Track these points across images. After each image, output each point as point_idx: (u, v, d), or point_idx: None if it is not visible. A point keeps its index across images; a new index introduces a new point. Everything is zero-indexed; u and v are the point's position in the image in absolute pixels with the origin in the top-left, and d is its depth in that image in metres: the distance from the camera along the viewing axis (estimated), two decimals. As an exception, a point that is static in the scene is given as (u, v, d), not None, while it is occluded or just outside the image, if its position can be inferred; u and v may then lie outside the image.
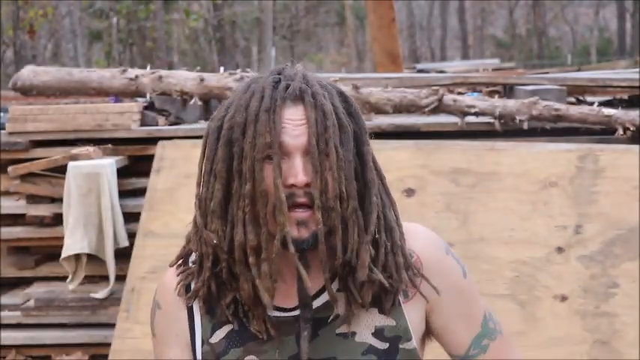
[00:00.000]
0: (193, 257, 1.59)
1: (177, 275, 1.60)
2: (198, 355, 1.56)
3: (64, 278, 3.69)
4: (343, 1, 26.03)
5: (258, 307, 1.50)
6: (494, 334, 1.62)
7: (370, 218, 1.50)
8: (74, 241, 3.55)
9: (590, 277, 2.98)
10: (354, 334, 1.52)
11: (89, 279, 3.72)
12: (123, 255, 3.57)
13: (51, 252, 3.80)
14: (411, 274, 1.54)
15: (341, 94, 1.55)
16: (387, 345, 1.53)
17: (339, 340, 1.52)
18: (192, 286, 1.57)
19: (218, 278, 1.53)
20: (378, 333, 1.53)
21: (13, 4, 16.98)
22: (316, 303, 1.53)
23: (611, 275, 2.99)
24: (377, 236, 1.51)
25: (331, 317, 1.53)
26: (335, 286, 1.51)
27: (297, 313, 1.53)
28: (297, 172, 1.45)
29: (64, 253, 3.56)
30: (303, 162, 1.46)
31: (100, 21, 22.37)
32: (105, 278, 3.68)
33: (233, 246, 1.49)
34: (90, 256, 3.62)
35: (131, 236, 3.55)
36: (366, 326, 1.53)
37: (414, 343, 1.54)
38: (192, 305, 1.57)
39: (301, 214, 1.46)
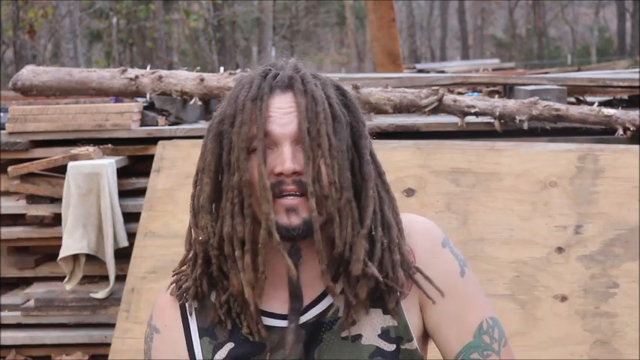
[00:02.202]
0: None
1: (173, 276, 1.56)
2: None
3: (64, 278, 3.69)
4: (343, 1, 26.03)
5: (248, 306, 1.45)
6: (488, 350, 1.49)
7: (366, 212, 1.44)
8: (73, 241, 3.55)
9: (590, 277, 2.98)
10: (359, 336, 1.47)
11: (89, 279, 3.73)
12: (123, 255, 3.57)
13: (51, 252, 3.80)
14: (407, 272, 1.48)
15: (337, 87, 1.50)
16: (394, 347, 1.47)
17: (345, 344, 1.47)
18: (186, 285, 1.53)
19: (211, 277, 1.48)
20: (385, 334, 1.47)
21: (13, 4, 16.98)
22: (320, 307, 1.48)
23: (611, 275, 2.99)
24: (373, 232, 1.45)
25: (335, 321, 1.47)
26: (337, 288, 1.46)
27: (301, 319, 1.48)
28: (285, 159, 1.40)
29: (63, 253, 3.55)
30: (292, 150, 1.41)
31: (100, 21, 22.37)
32: (105, 278, 3.68)
33: (223, 240, 1.44)
34: (89, 256, 3.62)
35: (131, 236, 3.55)
36: (372, 328, 1.47)
37: (415, 343, 1.48)
38: (189, 327, 1.52)
39: (291, 200, 1.41)
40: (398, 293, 1.47)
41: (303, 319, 1.48)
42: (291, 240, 1.43)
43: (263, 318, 1.48)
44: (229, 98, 1.47)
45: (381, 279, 1.44)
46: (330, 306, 1.48)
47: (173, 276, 1.57)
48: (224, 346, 1.49)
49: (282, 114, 1.43)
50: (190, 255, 1.53)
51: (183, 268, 1.56)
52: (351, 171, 1.45)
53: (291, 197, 1.42)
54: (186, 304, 1.53)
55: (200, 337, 1.51)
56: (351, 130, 1.47)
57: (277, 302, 1.49)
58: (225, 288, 1.47)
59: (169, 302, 1.55)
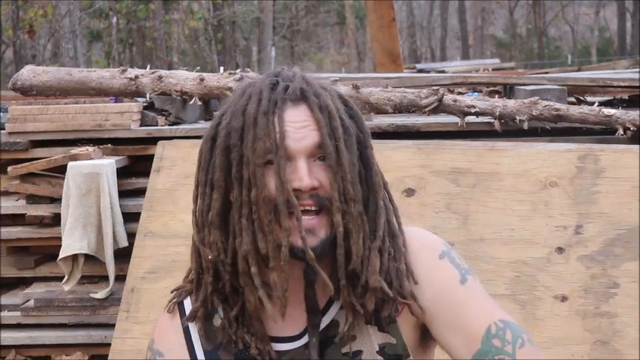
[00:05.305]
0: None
1: (172, 292, 1.53)
2: None
3: (63, 279, 3.68)
4: (343, 1, 26.01)
5: (260, 324, 1.44)
6: (501, 354, 1.42)
7: (378, 223, 1.43)
8: (73, 241, 3.54)
9: (591, 278, 2.98)
10: (360, 352, 1.46)
11: (89, 279, 3.72)
12: (122, 255, 3.56)
13: (51, 252, 3.79)
14: (413, 280, 1.47)
15: (341, 96, 1.48)
16: None
17: None
18: (187, 303, 1.51)
19: (220, 294, 1.46)
20: (382, 351, 1.46)
21: (12, 4, 16.97)
22: (322, 322, 1.47)
23: (611, 275, 2.98)
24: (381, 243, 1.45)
25: (337, 337, 1.46)
26: (338, 304, 1.46)
27: (304, 341, 1.47)
28: (302, 175, 1.38)
29: (63, 253, 3.55)
30: (307, 165, 1.39)
31: (100, 21, 22.37)
32: (104, 278, 3.68)
33: (236, 257, 1.41)
34: (89, 257, 3.61)
35: (131, 236, 3.55)
36: (371, 345, 1.46)
37: (412, 357, 1.48)
38: (195, 351, 1.50)
39: (309, 221, 1.39)
40: (392, 304, 1.45)
41: (306, 338, 1.47)
42: (308, 262, 1.40)
43: (272, 344, 1.46)
44: (235, 110, 1.43)
45: (390, 293, 1.43)
46: (333, 322, 1.47)
47: (172, 292, 1.55)
48: None
49: (297, 128, 1.40)
50: (192, 273, 1.50)
51: (184, 285, 1.54)
52: (359, 181, 1.44)
53: (308, 216, 1.40)
54: (190, 327, 1.50)
55: (206, 359, 1.49)
56: (358, 142, 1.46)
57: (284, 325, 1.46)
58: (234, 304, 1.45)
59: (171, 325, 1.53)
